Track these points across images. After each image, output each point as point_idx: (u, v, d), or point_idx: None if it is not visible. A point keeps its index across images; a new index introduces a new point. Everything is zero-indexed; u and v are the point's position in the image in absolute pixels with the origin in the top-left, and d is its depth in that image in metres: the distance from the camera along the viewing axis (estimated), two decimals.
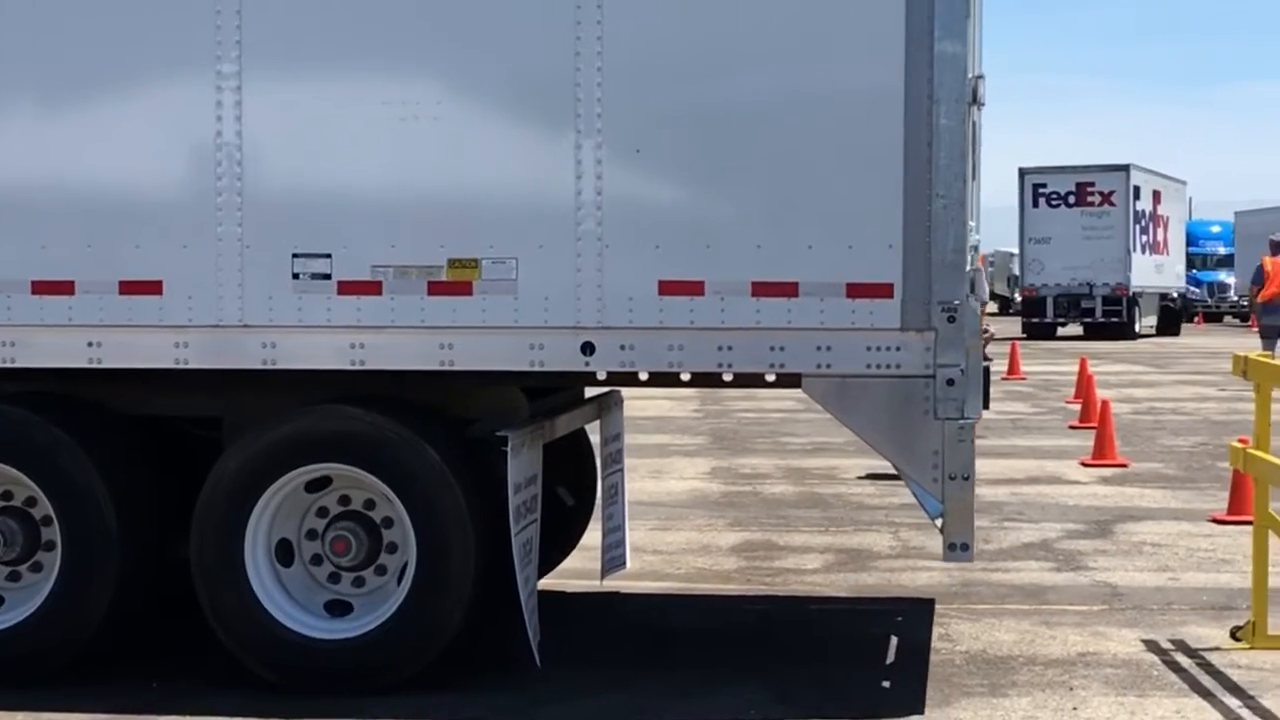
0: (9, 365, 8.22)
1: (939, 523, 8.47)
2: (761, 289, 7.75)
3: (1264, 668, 8.78)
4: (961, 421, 7.67)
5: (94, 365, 8.15)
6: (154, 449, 8.58)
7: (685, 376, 8.25)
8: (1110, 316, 48.87)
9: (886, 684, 8.59)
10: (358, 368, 8.01)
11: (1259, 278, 27.38)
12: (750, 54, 7.75)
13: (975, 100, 7.64)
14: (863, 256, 7.68)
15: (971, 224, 7.93)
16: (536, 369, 7.96)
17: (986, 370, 7.77)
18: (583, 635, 9.32)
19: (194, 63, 7.99)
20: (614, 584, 10.37)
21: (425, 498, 7.93)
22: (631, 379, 8.43)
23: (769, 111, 7.75)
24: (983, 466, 16.09)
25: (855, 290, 7.70)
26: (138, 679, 8.37)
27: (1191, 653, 9.12)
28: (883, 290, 7.68)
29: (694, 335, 7.81)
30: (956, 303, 7.64)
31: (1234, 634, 9.29)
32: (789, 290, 7.73)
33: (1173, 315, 53.43)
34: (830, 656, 9.11)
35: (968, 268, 7.69)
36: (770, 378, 8.34)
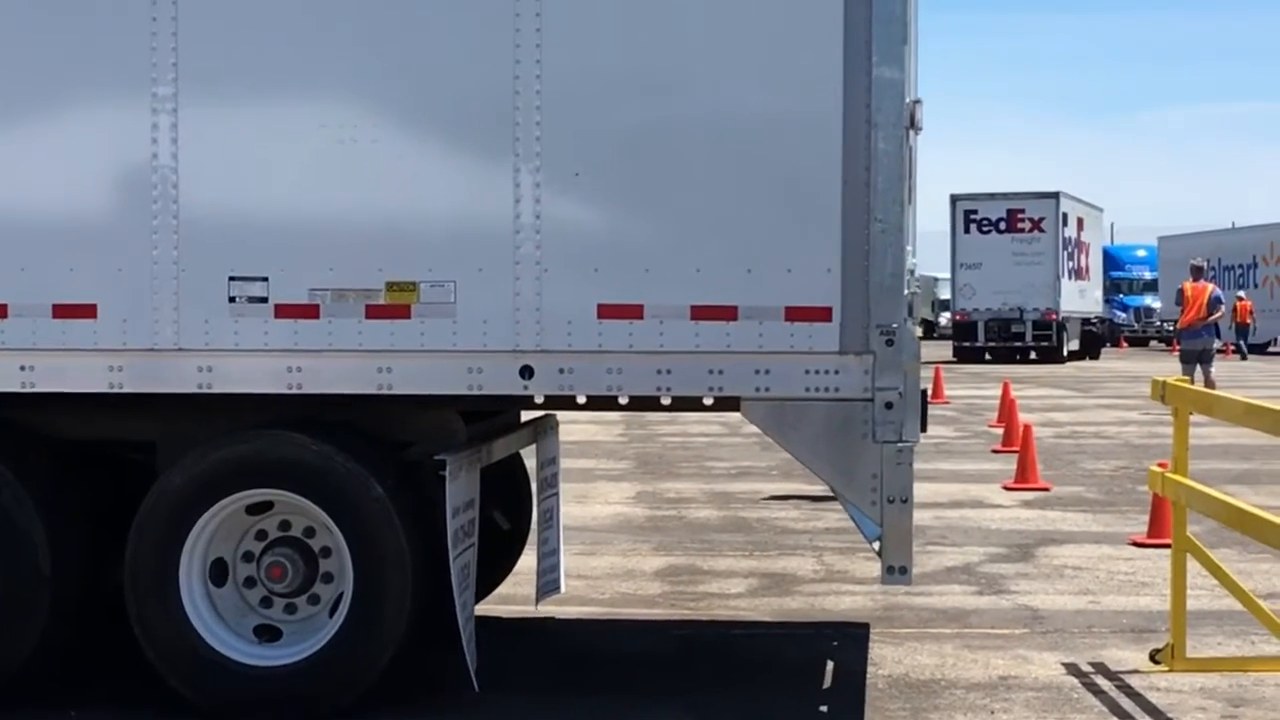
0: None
1: (876, 546, 8.50)
2: (700, 312, 7.75)
3: (1182, 690, 8.88)
4: (900, 444, 7.71)
5: (26, 389, 8.05)
6: (88, 473, 8.49)
7: (623, 400, 8.22)
8: (1040, 340, 49.52)
9: (817, 708, 8.61)
10: (295, 391, 7.95)
11: (1180, 302, 27.76)
12: (688, 79, 7.75)
13: (913, 125, 7.68)
14: (801, 280, 7.70)
15: (909, 248, 7.97)
16: (475, 392, 7.94)
17: (924, 394, 7.80)
18: (509, 660, 9.27)
19: (130, 85, 7.92)
20: (543, 609, 10.35)
21: (367, 533, 7.89)
22: (569, 402, 8.40)
23: (707, 136, 7.76)
24: None
25: (794, 314, 7.71)
26: (55, 708, 8.29)
27: (1111, 675, 9.20)
28: (821, 314, 7.70)
29: (633, 359, 7.80)
30: (895, 326, 7.67)
31: (1153, 657, 9.38)
32: (728, 314, 7.74)
33: (1095, 339, 54.19)
34: (754, 681, 9.12)
35: (905, 291, 7.72)
36: (708, 401, 8.34)
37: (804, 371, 7.74)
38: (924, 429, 7.84)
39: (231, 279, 7.92)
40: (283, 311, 7.91)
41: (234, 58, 7.93)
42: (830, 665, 9.50)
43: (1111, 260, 72.41)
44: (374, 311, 7.88)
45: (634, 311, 7.78)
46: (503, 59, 7.74)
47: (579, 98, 7.76)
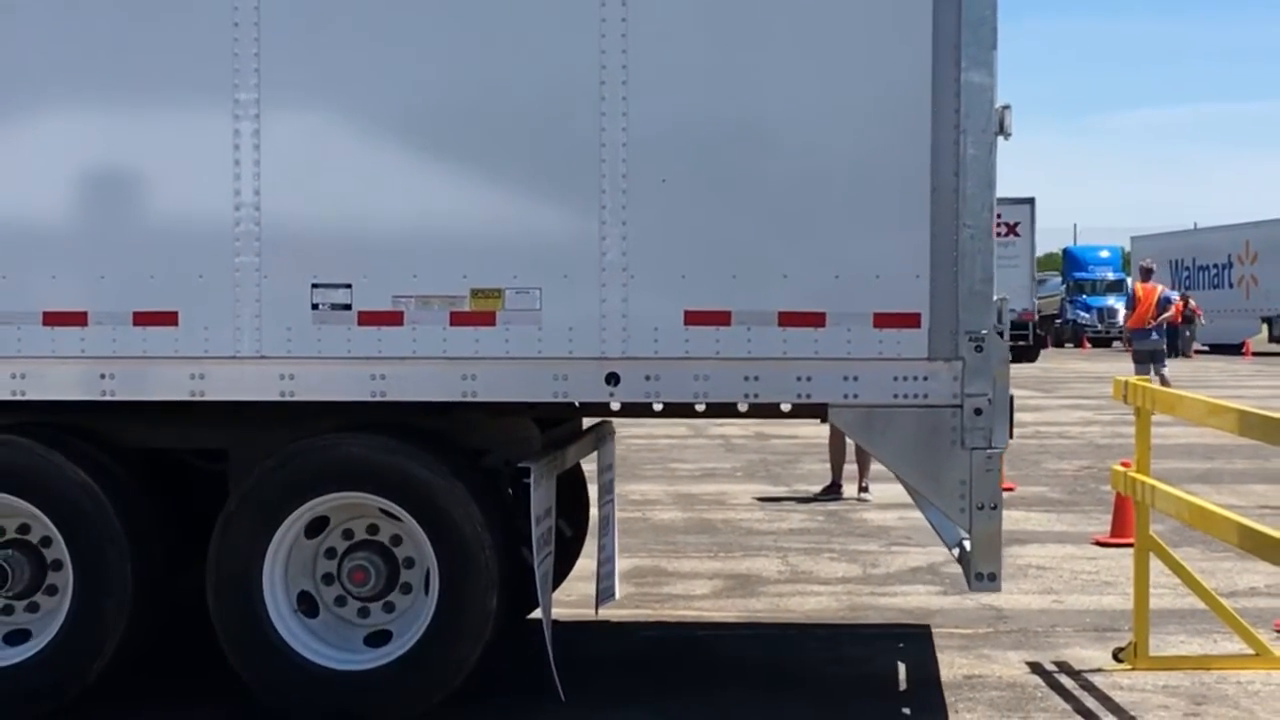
0: (19, 398, 8.04)
1: (955, 552, 8.51)
2: (788, 319, 7.72)
3: (1145, 688, 8.94)
4: (989, 451, 7.68)
5: (107, 398, 7.98)
6: (162, 480, 8.47)
7: (700, 407, 8.19)
8: (1017, 340, 49.66)
9: (784, 708, 8.60)
10: (379, 399, 7.90)
11: (1130, 303, 28.16)
12: (775, 82, 7.71)
13: (1002, 130, 7.65)
14: (890, 286, 7.68)
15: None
16: (560, 399, 7.90)
17: (1011, 399, 7.78)
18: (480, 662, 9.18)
19: (211, 90, 7.86)
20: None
21: (456, 543, 7.87)
22: (646, 409, 8.36)
23: (794, 140, 7.73)
24: (873, 491, 16.38)
25: (882, 320, 7.69)
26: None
27: (1075, 674, 9.27)
28: (910, 320, 7.68)
29: (720, 365, 7.76)
30: (984, 332, 7.65)
31: (1116, 655, 9.46)
32: (816, 320, 7.71)
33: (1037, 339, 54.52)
34: (721, 682, 9.12)
35: (994, 297, 7.70)
36: (786, 407, 8.33)
37: (892, 378, 7.71)
38: (1010, 435, 7.81)
39: (314, 286, 7.86)
40: (366, 319, 7.85)
41: (316, 63, 7.87)
42: (795, 665, 9.53)
43: (1074, 261, 72.62)
44: (458, 318, 7.83)
45: (721, 318, 7.74)
46: (588, 61, 7.70)
47: (666, 101, 7.72)
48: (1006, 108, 7.67)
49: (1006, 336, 7.83)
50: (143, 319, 7.93)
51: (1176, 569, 9.52)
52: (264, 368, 7.90)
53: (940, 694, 8.81)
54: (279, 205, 7.86)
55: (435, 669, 7.92)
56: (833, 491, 16.84)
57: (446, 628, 7.90)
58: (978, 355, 7.66)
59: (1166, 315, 28.40)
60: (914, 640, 10.13)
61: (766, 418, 8.67)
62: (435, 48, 7.83)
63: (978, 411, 7.67)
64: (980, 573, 7.77)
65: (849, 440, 16.41)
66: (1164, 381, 26.28)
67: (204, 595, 8.02)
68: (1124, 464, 9.99)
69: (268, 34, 7.82)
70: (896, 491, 16.61)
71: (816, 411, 8.02)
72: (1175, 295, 30.49)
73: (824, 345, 7.72)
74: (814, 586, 11.93)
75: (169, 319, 7.92)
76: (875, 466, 16.88)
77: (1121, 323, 67.66)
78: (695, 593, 11.71)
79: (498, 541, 7.92)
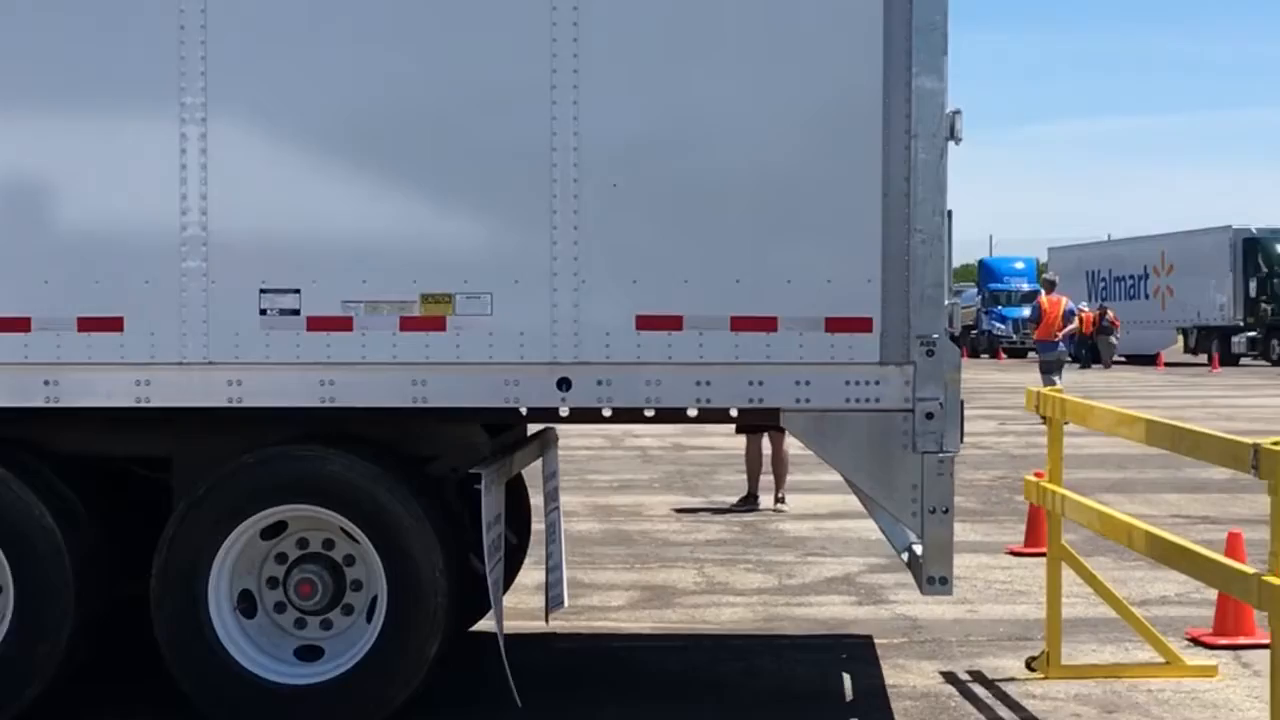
0: None
1: (904, 556, 8.52)
2: (740, 323, 7.71)
3: (1057, 697, 9.01)
4: (941, 455, 7.70)
5: (51, 404, 7.86)
6: (102, 487, 8.36)
7: (651, 412, 8.16)
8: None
9: None
10: (328, 405, 7.83)
11: (1037, 315, 28.67)
12: (730, 88, 7.71)
13: (953, 135, 7.68)
14: (842, 291, 7.69)
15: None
16: (511, 405, 7.86)
17: (962, 404, 7.80)
18: None
19: (157, 94, 7.76)
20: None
21: (404, 551, 7.82)
22: (595, 415, 8.32)
23: (746, 145, 7.72)
24: (790, 501, 16.42)
25: (834, 324, 7.70)
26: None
27: (988, 683, 9.32)
28: (862, 324, 7.69)
29: (672, 370, 7.75)
30: (935, 336, 7.68)
31: (1029, 664, 9.53)
32: (768, 325, 7.71)
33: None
34: (636, 693, 9.13)
35: (946, 302, 7.73)
36: (734, 412, 8.32)
37: (844, 382, 7.72)
38: (961, 439, 7.83)
39: (262, 291, 7.79)
40: (315, 324, 7.79)
41: (264, 67, 7.79)
42: (709, 676, 9.54)
43: (990, 272, 73.26)
44: (408, 324, 7.77)
45: (673, 323, 7.73)
46: (539, 66, 7.66)
47: (616, 107, 7.69)
48: (957, 113, 7.70)
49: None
50: (87, 325, 7.82)
51: (1088, 578, 9.60)
52: (211, 374, 7.82)
53: (853, 705, 8.84)
54: (226, 210, 7.77)
55: (360, 701, 7.88)
56: (749, 502, 16.86)
57: (381, 664, 7.87)
58: (929, 360, 7.69)
59: (1072, 327, 28.97)
60: (828, 651, 10.16)
61: (705, 424, 8.63)
62: (386, 52, 7.78)
63: (929, 416, 7.69)
64: (932, 576, 7.78)
65: (765, 451, 16.56)
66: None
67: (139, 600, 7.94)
68: (1037, 474, 10.06)
69: (214, 38, 7.73)
70: (813, 502, 16.80)
71: (768, 416, 7.98)
72: (1084, 307, 30.95)
73: (776, 350, 7.72)
74: (730, 598, 11.93)
75: (114, 325, 7.81)
76: (791, 477, 17.04)
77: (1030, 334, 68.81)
78: (611, 604, 11.69)
79: (453, 590, 7.90)
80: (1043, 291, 29.90)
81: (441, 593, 7.79)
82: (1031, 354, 70.01)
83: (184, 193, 7.75)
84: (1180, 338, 64.29)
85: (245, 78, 7.78)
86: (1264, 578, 6.83)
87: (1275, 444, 6.67)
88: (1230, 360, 59.22)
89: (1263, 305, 58.98)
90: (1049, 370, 28.34)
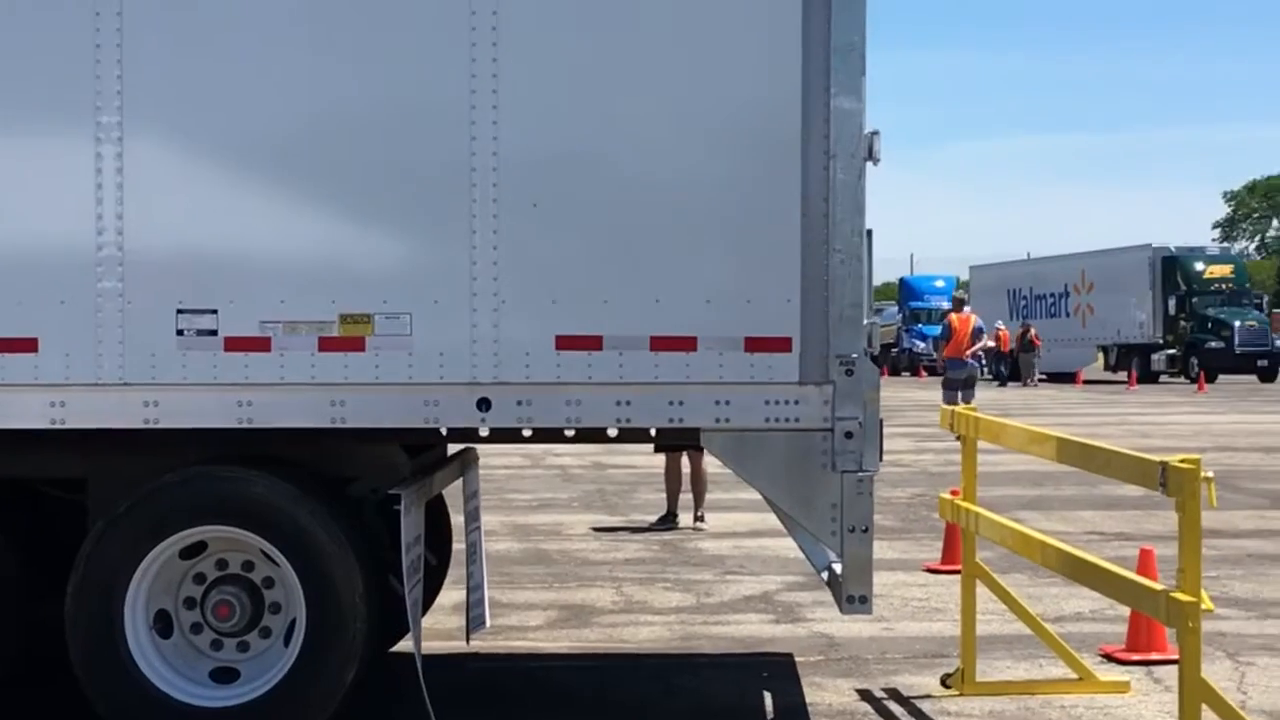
0: None
1: (824, 576, 8.54)
2: (660, 343, 7.72)
3: (972, 713, 9.08)
4: (860, 474, 7.73)
5: None
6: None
7: (571, 432, 8.16)
8: None
9: None
10: (245, 426, 7.78)
11: (946, 333, 29.06)
12: (650, 108, 7.72)
13: (871, 155, 7.72)
14: (761, 311, 7.71)
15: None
16: (431, 425, 7.84)
17: (881, 422, 7.84)
18: None
19: (72, 112, 7.70)
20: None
21: (324, 572, 7.78)
22: (516, 435, 8.31)
23: (667, 165, 7.74)
24: (709, 519, 16.46)
25: (754, 344, 7.72)
26: None
27: (903, 700, 9.37)
28: (781, 344, 7.71)
29: (592, 390, 7.75)
30: (854, 356, 7.71)
31: (944, 681, 9.60)
32: (687, 344, 7.72)
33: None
34: (553, 714, 9.13)
35: (865, 321, 7.76)
36: (652, 431, 8.33)
37: (764, 402, 7.74)
38: (880, 458, 7.87)
39: (179, 311, 7.73)
40: (232, 344, 7.74)
41: (181, 86, 7.74)
42: (627, 696, 9.56)
43: (910, 290, 73.75)
44: (327, 344, 7.74)
45: (593, 343, 7.72)
46: (458, 85, 7.66)
47: (536, 124, 7.69)
48: (875, 133, 7.74)
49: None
50: (1, 346, 7.74)
51: (1002, 595, 9.67)
52: (127, 395, 7.75)
53: None
54: (143, 230, 7.71)
55: (305, 698, 7.81)
56: (668, 521, 16.88)
57: (298, 688, 7.83)
58: (849, 379, 7.72)
59: (981, 345, 29.38)
60: (746, 669, 10.17)
61: (626, 443, 8.65)
62: (303, 71, 7.75)
63: (848, 435, 7.72)
64: (852, 595, 7.80)
65: (684, 470, 16.58)
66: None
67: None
68: (953, 492, 10.11)
69: (131, 57, 7.68)
70: (732, 521, 16.83)
71: (688, 436, 7.99)
72: (1001, 325, 31.25)
73: (696, 370, 7.73)
74: (647, 616, 11.94)
75: (29, 345, 7.74)
76: (711, 495, 17.07)
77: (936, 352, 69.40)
78: (529, 624, 11.67)
79: (372, 616, 7.87)
80: (953, 310, 30.32)
81: (361, 618, 7.75)
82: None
83: (100, 213, 7.69)
84: (1101, 355, 64.86)
85: (162, 97, 7.72)
86: (1171, 594, 6.90)
87: (1183, 462, 6.74)
88: (1150, 378, 59.80)
89: (1182, 323, 59.62)
90: (956, 387, 28.78)
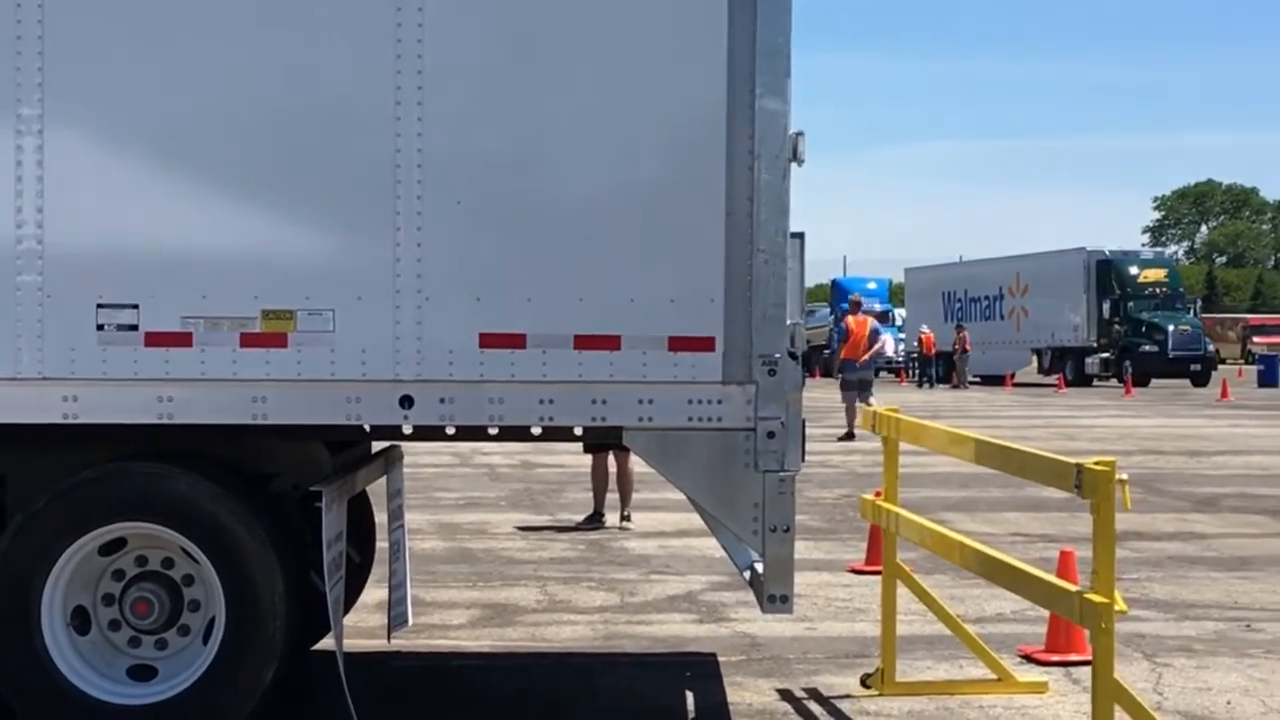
0: None
1: (746, 575, 8.57)
2: (583, 342, 7.72)
3: (891, 713, 9.14)
4: (782, 474, 7.74)
5: None
6: None
7: (494, 430, 8.15)
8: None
9: None
10: (166, 421, 7.73)
11: (844, 335, 29.60)
12: (573, 107, 7.71)
13: (795, 157, 7.74)
14: (685, 310, 7.72)
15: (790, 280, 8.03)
16: (353, 423, 7.81)
17: (803, 422, 7.86)
18: None
19: None
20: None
21: (243, 570, 7.74)
22: (439, 433, 8.30)
23: (591, 164, 7.73)
24: (635, 519, 16.51)
25: (677, 344, 7.72)
26: None
27: (823, 700, 9.41)
28: (704, 344, 7.72)
29: (515, 388, 7.73)
30: (777, 356, 7.73)
31: (864, 681, 9.66)
32: (611, 343, 7.72)
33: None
34: (470, 713, 9.13)
35: (788, 321, 7.78)
36: (578, 430, 8.33)
37: (687, 401, 7.74)
38: (802, 458, 7.89)
39: (100, 306, 7.67)
40: (153, 339, 7.69)
41: (104, 79, 7.68)
42: (548, 695, 9.57)
43: (843, 292, 73.85)
44: (249, 340, 7.70)
45: (516, 341, 7.71)
46: (382, 81, 7.63)
47: (460, 123, 7.68)
48: (800, 134, 7.76)
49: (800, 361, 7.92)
50: None
51: (922, 595, 9.72)
52: (45, 389, 7.69)
53: None
54: (63, 223, 7.65)
55: (224, 697, 7.77)
56: (595, 520, 16.91)
57: (216, 687, 7.77)
58: (771, 379, 7.74)
59: (876, 348, 29.97)
60: (667, 669, 10.19)
61: (553, 442, 8.64)
62: (227, 64, 7.70)
63: (771, 435, 7.74)
64: (773, 595, 7.82)
65: (611, 469, 16.60)
66: (852, 412, 28.91)
67: None
68: (877, 493, 10.16)
69: (52, 49, 7.61)
70: (658, 520, 16.86)
71: (612, 435, 8.00)
72: (925, 329, 31.47)
73: (619, 368, 7.73)
74: (571, 616, 11.96)
75: None
76: (637, 495, 17.10)
77: (888, 352, 69.68)
78: (451, 623, 11.65)
79: (292, 615, 7.83)
80: (850, 313, 30.93)
81: (280, 617, 7.72)
82: (883, 373, 71.21)
83: (19, 205, 7.62)
84: (1035, 359, 65.17)
85: (84, 90, 7.66)
86: (1085, 595, 6.95)
87: (1098, 464, 6.80)
88: (1083, 381, 60.21)
89: (1116, 327, 60.03)
90: (853, 388, 29.39)
